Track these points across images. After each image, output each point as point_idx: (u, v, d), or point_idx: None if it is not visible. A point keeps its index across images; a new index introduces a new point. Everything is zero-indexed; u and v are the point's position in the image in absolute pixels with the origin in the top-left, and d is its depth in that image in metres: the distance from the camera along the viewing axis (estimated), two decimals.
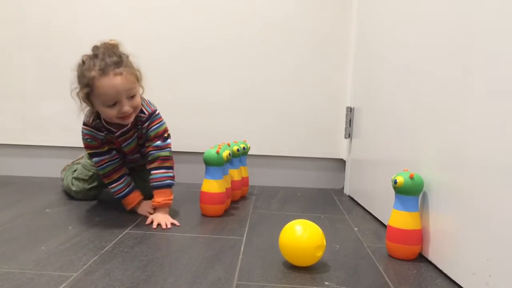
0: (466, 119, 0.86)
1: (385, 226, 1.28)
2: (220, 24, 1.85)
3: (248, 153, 1.65)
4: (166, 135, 1.32)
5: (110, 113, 1.18)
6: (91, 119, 1.27)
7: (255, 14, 1.84)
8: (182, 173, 1.72)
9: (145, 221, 1.23)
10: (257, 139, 1.81)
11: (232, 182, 1.47)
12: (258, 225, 1.25)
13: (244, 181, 1.60)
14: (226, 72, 1.85)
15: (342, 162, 1.87)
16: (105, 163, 1.30)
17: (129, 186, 1.32)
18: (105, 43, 1.20)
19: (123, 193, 1.31)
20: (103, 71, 1.14)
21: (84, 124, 1.28)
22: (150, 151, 1.30)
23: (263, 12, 1.84)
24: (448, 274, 0.91)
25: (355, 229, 1.27)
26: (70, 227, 1.16)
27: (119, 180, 1.31)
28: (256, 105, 1.86)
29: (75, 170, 1.52)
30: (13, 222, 1.20)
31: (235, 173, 1.50)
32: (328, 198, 1.70)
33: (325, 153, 1.89)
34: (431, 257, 0.99)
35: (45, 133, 1.90)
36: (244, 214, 1.39)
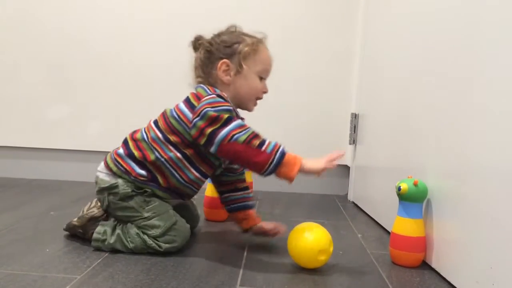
0: (471, 126, 0.86)
1: (389, 233, 1.27)
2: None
3: None
4: None
5: (258, 86, 1.07)
6: (223, 94, 1.03)
7: (262, 22, 1.84)
8: None
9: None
10: None
11: None
12: None
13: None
14: None
15: (346, 168, 1.87)
16: (248, 127, 0.98)
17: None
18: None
19: (282, 147, 0.97)
20: (262, 40, 1.08)
21: (219, 96, 1.02)
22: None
23: (270, 20, 1.84)
24: (452, 282, 0.90)
25: (359, 235, 1.26)
26: None
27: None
28: (261, 111, 1.86)
29: (141, 231, 1.03)
30: (18, 224, 1.20)
31: None
32: (332, 204, 1.70)
33: None
34: (435, 264, 0.99)
35: (51, 136, 1.91)
36: None
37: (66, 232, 1.12)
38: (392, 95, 1.34)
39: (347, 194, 1.85)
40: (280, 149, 0.96)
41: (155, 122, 1.07)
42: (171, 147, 1.02)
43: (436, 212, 0.99)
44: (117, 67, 1.89)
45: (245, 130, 0.96)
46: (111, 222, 1.06)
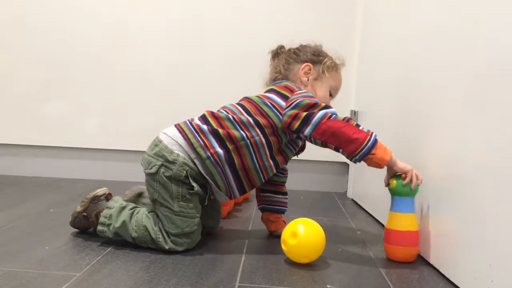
0: (469, 122, 0.86)
1: None
2: (229, 35, 1.87)
3: None
4: None
5: (327, 97, 1.17)
6: None
7: (263, 23, 1.85)
8: None
9: None
10: None
11: None
12: (260, 227, 1.25)
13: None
14: (236, 79, 1.85)
15: (345, 165, 1.87)
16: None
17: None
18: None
19: (375, 134, 1.01)
20: (343, 65, 1.21)
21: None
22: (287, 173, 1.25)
23: (271, 22, 1.85)
24: (451, 279, 0.91)
25: (358, 232, 1.27)
26: None
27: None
28: None
29: (156, 221, 1.03)
30: (17, 221, 1.20)
31: None
32: (331, 202, 1.70)
33: (329, 156, 1.88)
34: (434, 261, 0.99)
35: (50, 134, 1.91)
36: (247, 216, 1.40)
37: (66, 230, 1.12)
38: (391, 93, 1.34)
39: (346, 191, 1.85)
40: (375, 133, 1.01)
41: (241, 106, 1.08)
42: (258, 131, 1.04)
43: (435, 209, 0.99)
44: (116, 65, 1.89)
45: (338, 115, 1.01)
46: (117, 205, 1.06)
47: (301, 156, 1.53)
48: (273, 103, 1.06)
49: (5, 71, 1.91)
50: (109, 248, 1.02)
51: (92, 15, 1.88)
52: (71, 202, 1.45)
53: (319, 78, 1.16)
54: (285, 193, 1.24)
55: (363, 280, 0.92)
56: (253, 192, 1.69)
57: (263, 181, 1.10)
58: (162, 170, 1.02)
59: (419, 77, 1.12)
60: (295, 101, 1.02)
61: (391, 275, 0.95)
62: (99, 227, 1.04)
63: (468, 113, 0.87)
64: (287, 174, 1.25)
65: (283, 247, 0.98)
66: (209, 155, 1.02)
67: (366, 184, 1.58)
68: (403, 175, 1.00)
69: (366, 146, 0.98)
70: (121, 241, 1.05)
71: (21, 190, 1.63)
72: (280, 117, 1.04)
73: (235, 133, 1.03)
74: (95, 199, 1.08)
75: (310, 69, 1.15)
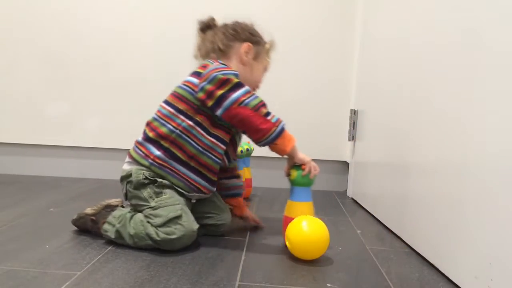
0: (469, 122, 0.86)
1: (388, 229, 1.28)
2: None
3: (252, 155, 1.65)
4: None
5: (260, 76, 1.20)
6: (227, 64, 1.11)
7: (263, 21, 1.84)
8: None
9: None
10: None
11: None
12: None
13: (248, 183, 1.60)
14: None
15: (345, 164, 1.87)
16: (253, 94, 1.03)
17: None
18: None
19: (284, 122, 1.04)
20: (273, 47, 1.23)
21: (223, 64, 1.09)
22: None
23: (271, 19, 1.84)
24: (451, 278, 0.91)
25: (358, 231, 1.27)
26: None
27: (269, 114, 1.03)
28: None
29: (146, 219, 1.03)
30: (18, 220, 1.20)
31: None
32: (331, 201, 1.70)
33: (329, 155, 1.89)
34: (434, 260, 0.99)
35: (50, 133, 1.91)
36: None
37: (66, 229, 1.12)
38: (391, 92, 1.34)
39: (346, 190, 1.86)
40: (283, 123, 1.04)
41: (164, 101, 1.11)
42: (182, 117, 1.06)
43: (435, 207, 0.99)
44: (116, 64, 1.89)
45: (253, 96, 1.02)
46: (127, 209, 1.08)
47: None
48: (187, 84, 1.08)
49: (5, 71, 1.91)
50: (110, 247, 1.02)
51: (92, 16, 1.88)
52: (71, 201, 1.45)
53: (257, 58, 1.18)
54: (238, 176, 1.28)
55: (363, 279, 0.92)
56: (254, 191, 1.70)
57: (219, 161, 1.09)
58: (128, 186, 1.08)
59: (419, 77, 1.12)
60: (208, 76, 1.03)
61: (391, 274, 0.95)
62: (105, 226, 1.05)
63: (468, 112, 0.87)
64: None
65: (287, 243, 1.00)
66: (151, 161, 1.06)
67: (366, 183, 1.58)
68: (303, 166, 1.06)
69: (270, 137, 1.02)
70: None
71: (21, 189, 1.64)
72: (194, 94, 1.05)
73: (163, 130, 1.06)
74: (109, 207, 1.09)
75: (250, 49, 1.16)
